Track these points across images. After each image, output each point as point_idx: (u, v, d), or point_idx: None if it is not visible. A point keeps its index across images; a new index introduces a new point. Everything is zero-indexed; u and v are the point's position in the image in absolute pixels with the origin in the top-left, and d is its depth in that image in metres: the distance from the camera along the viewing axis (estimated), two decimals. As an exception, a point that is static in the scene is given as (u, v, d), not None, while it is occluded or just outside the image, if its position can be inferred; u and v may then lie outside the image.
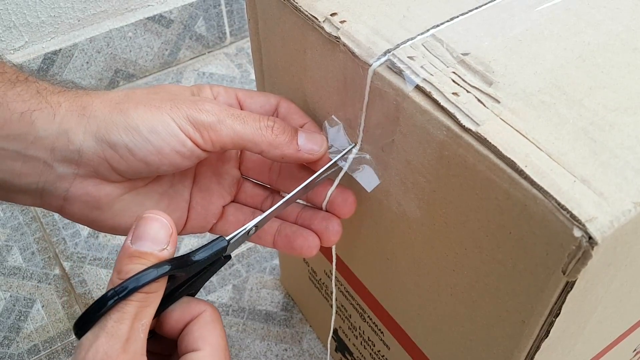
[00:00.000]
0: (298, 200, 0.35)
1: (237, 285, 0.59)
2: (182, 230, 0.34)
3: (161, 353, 0.30)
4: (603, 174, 0.22)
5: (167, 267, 0.26)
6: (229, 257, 0.30)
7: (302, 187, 0.31)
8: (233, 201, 0.36)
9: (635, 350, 0.47)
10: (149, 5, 0.76)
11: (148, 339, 0.28)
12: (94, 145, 0.28)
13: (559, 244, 0.21)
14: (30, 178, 0.29)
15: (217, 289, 0.58)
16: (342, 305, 0.45)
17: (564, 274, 0.22)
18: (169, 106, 0.29)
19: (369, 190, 0.31)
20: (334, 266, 0.39)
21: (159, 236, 0.26)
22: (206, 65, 0.83)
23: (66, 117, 0.28)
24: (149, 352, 0.29)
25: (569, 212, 0.20)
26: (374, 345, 0.43)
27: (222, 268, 0.59)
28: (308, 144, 0.31)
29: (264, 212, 0.31)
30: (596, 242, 0.20)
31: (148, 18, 0.76)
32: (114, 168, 0.29)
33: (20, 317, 0.56)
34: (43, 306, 0.57)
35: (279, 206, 0.31)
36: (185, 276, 0.28)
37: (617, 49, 0.27)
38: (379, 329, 0.40)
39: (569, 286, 0.22)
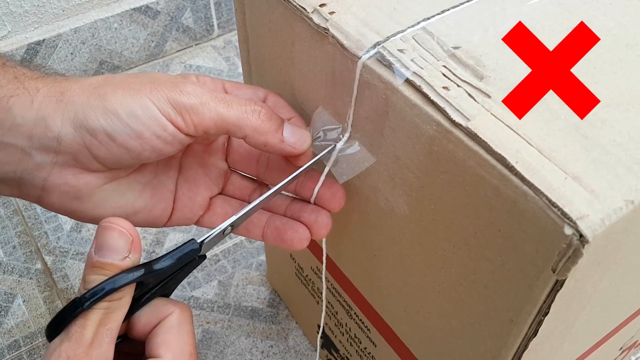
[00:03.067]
0: (287, 193, 0.35)
1: (222, 281, 0.58)
2: (168, 222, 0.34)
3: (135, 353, 0.30)
4: (594, 170, 0.21)
5: (130, 277, 0.26)
6: (204, 257, 0.30)
7: (282, 184, 0.31)
8: (220, 193, 0.36)
9: (621, 348, 0.47)
10: (135, -4, 0.75)
11: (121, 341, 0.28)
12: (72, 132, 0.28)
13: (549, 242, 0.21)
14: (7, 167, 0.28)
15: (203, 285, 0.58)
16: (329, 302, 0.44)
17: (553, 273, 0.21)
18: (148, 89, 0.28)
19: (356, 173, 0.30)
20: (324, 264, 0.38)
21: (118, 246, 0.25)
22: (193, 58, 0.82)
23: (44, 103, 0.28)
24: (124, 353, 0.28)
25: (560, 209, 0.20)
26: (361, 342, 0.42)
27: (208, 264, 0.59)
28: (293, 137, 0.30)
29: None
30: (587, 240, 0.20)
31: (134, 9, 0.75)
32: (94, 155, 0.28)
33: (0, 312, 0.55)
34: (24, 301, 0.56)
35: (256, 204, 0.30)
36: (155, 281, 0.28)
37: (609, 45, 0.27)
38: (366, 326, 0.40)
39: (558, 285, 0.22)
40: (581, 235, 0.20)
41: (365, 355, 0.42)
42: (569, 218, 0.20)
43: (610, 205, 0.20)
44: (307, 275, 0.46)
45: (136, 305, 0.28)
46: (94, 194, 0.30)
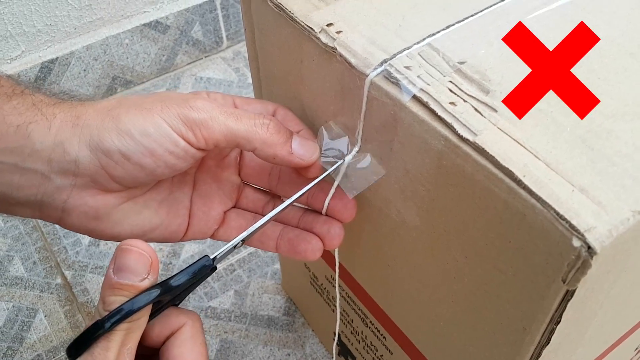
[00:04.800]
0: (299, 204, 0.35)
1: (238, 290, 0.59)
2: (184, 237, 0.35)
3: (146, 355, 0.30)
4: (601, 182, 0.22)
5: (148, 298, 0.26)
6: (215, 268, 0.30)
7: (290, 202, 0.31)
8: (234, 207, 0.36)
9: (636, 349, 0.47)
10: (144, 12, 0.76)
11: None
12: (89, 155, 0.28)
13: (558, 254, 0.21)
14: (28, 190, 0.29)
15: (219, 295, 0.58)
16: (344, 311, 0.45)
17: (564, 283, 0.22)
18: (159, 107, 0.29)
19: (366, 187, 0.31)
20: (337, 273, 0.39)
21: (137, 268, 0.26)
22: (203, 70, 0.83)
23: (61, 128, 0.29)
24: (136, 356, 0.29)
25: (567, 222, 0.21)
26: (377, 350, 0.43)
27: (223, 274, 0.60)
28: (301, 149, 0.31)
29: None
30: (595, 251, 0.20)
31: (144, 24, 0.76)
32: (111, 175, 0.29)
33: (23, 327, 0.56)
34: (46, 316, 0.57)
35: (265, 221, 0.31)
36: (170, 297, 0.29)
37: (613, 55, 0.27)
38: (381, 334, 0.40)
39: (569, 294, 0.22)
40: (589, 247, 0.20)
41: (382, 363, 0.43)
42: (577, 230, 0.20)
43: (618, 217, 0.21)
44: (321, 284, 0.47)
45: (151, 315, 0.29)
46: (112, 213, 0.31)
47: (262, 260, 0.61)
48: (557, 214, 0.21)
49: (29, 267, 0.61)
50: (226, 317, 0.57)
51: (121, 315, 0.26)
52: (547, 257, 0.22)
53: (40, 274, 0.60)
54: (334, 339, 0.47)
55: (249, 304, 0.58)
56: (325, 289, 0.47)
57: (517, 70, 0.26)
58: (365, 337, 0.44)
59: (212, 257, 0.29)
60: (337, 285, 0.40)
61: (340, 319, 0.46)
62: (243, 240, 0.31)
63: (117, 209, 0.31)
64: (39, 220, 0.65)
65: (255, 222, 0.31)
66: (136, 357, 0.29)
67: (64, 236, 0.63)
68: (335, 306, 0.44)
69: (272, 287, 0.59)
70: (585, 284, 0.22)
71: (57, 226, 0.64)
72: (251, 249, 0.62)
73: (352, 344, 0.47)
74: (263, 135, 0.30)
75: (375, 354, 0.43)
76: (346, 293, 0.43)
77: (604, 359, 0.38)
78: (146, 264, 0.26)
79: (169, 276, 0.28)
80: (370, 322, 0.41)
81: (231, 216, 0.35)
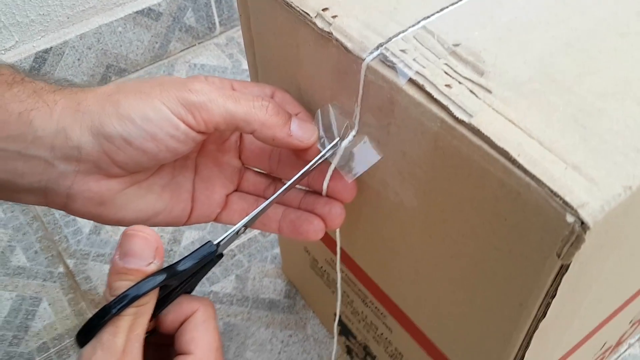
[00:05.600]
0: (300, 186, 0.36)
1: (239, 275, 0.60)
2: (188, 221, 0.35)
3: (164, 344, 0.31)
4: (593, 159, 0.23)
5: (154, 282, 0.27)
6: (221, 256, 0.31)
7: (289, 185, 0.32)
8: (236, 190, 0.37)
9: (631, 321, 0.48)
10: (137, -1, 0.76)
11: (150, 336, 0.29)
12: (91, 140, 0.29)
13: (552, 230, 0.22)
14: (32, 177, 0.30)
15: (221, 280, 0.59)
16: (344, 292, 0.46)
17: (558, 258, 0.22)
18: (158, 91, 0.29)
19: (367, 168, 0.31)
20: (338, 256, 0.39)
21: (143, 252, 0.27)
22: (197, 57, 0.83)
23: (63, 115, 0.29)
24: (153, 344, 0.30)
25: (561, 198, 0.21)
26: (377, 329, 0.44)
27: (224, 259, 0.60)
28: (299, 131, 0.31)
29: (267, 199, 0.32)
30: (588, 226, 0.21)
31: (137, 12, 0.76)
32: (114, 160, 0.30)
33: (27, 316, 0.57)
34: (50, 304, 0.58)
35: (264, 207, 0.32)
36: (177, 282, 0.29)
37: (603, 35, 0.27)
38: (382, 313, 0.41)
39: (563, 269, 0.23)
40: (582, 222, 0.21)
41: (383, 341, 0.44)
42: (570, 206, 0.21)
43: (609, 192, 0.22)
44: (321, 267, 0.48)
45: (163, 304, 0.30)
46: (116, 198, 0.31)
47: (261, 245, 0.62)
48: (551, 191, 0.21)
49: (31, 256, 0.62)
50: (228, 301, 0.58)
51: (128, 299, 0.26)
52: (542, 233, 0.23)
53: (43, 263, 0.61)
54: (334, 320, 0.48)
55: (250, 288, 0.59)
56: (325, 271, 0.48)
57: (511, 51, 0.26)
58: (366, 316, 0.44)
59: (215, 242, 0.30)
60: (338, 267, 0.40)
61: (341, 300, 0.47)
62: (246, 226, 0.31)
63: (121, 193, 0.31)
64: (39, 210, 0.65)
65: (257, 205, 0.31)
66: (154, 345, 0.30)
67: (64, 225, 0.64)
68: (336, 288, 0.45)
69: (272, 271, 0.60)
70: (580, 258, 0.22)
71: (57, 215, 0.65)
72: (250, 235, 0.63)
73: (352, 323, 0.48)
74: (262, 117, 0.30)
75: (375, 332, 0.44)
76: (346, 275, 0.43)
77: (599, 332, 0.39)
78: (152, 248, 0.27)
79: (171, 263, 0.29)
80: (370, 302, 0.42)
81: (233, 199, 0.36)
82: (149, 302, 0.27)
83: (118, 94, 0.29)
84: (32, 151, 0.29)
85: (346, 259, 0.41)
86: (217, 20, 0.85)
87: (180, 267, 0.29)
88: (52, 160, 0.29)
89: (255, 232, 0.63)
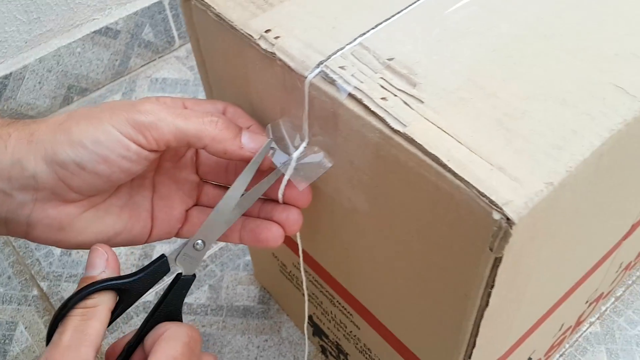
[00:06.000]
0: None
1: (213, 285, 0.61)
2: (149, 238, 0.36)
3: None
4: (517, 160, 0.25)
5: (97, 285, 0.29)
6: (193, 277, 0.33)
7: (232, 191, 0.33)
8: (196, 205, 0.38)
9: (587, 301, 0.51)
10: (93, 19, 0.76)
11: None
12: (45, 169, 0.30)
13: (483, 227, 0.24)
14: None
15: (194, 291, 0.60)
16: (313, 294, 0.47)
17: (491, 251, 0.24)
18: (108, 115, 0.30)
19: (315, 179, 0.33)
20: (301, 258, 0.41)
21: (95, 263, 0.30)
22: (158, 71, 0.84)
23: (17, 147, 0.30)
24: None
25: (487, 198, 0.23)
26: (346, 327, 0.46)
27: (197, 269, 0.62)
28: (251, 143, 0.33)
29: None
30: (514, 222, 0.23)
31: (94, 32, 0.77)
32: (69, 186, 0.31)
33: (4, 340, 0.58)
34: (26, 327, 0.59)
35: (214, 217, 0.33)
36: (134, 295, 0.31)
37: (528, 39, 0.30)
38: (348, 312, 0.43)
39: (498, 261, 0.25)
40: (508, 219, 0.23)
41: (352, 338, 0.46)
42: (495, 205, 0.23)
43: (532, 189, 0.24)
44: (290, 271, 0.50)
45: (143, 330, 0.32)
46: (75, 222, 0.33)
47: (233, 254, 0.63)
48: (478, 191, 0.23)
49: (4, 282, 0.62)
50: (203, 312, 0.59)
51: (73, 300, 0.29)
52: (475, 230, 0.25)
53: (17, 288, 0.62)
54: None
55: (224, 297, 0.60)
56: (293, 275, 0.49)
57: (441, 62, 0.28)
58: (335, 316, 0.46)
59: (167, 255, 0.32)
60: (302, 270, 0.42)
61: (310, 302, 0.49)
62: (204, 240, 0.33)
63: (80, 217, 0.32)
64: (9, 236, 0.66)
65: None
66: None
67: (35, 249, 0.64)
68: (304, 292, 0.47)
69: (245, 278, 0.61)
70: (511, 251, 0.24)
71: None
72: (222, 244, 0.64)
73: (323, 323, 0.50)
74: (212, 132, 0.31)
75: (345, 331, 0.46)
76: (313, 277, 0.45)
77: (552, 315, 0.41)
78: (103, 259, 0.30)
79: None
80: (337, 302, 0.44)
81: (193, 214, 0.37)
82: (97, 306, 0.29)
83: (69, 121, 0.30)
84: None
85: (310, 261, 0.43)
86: (175, 33, 0.86)
87: (130, 278, 0.31)
88: (10, 191, 0.30)
89: (226, 241, 0.65)
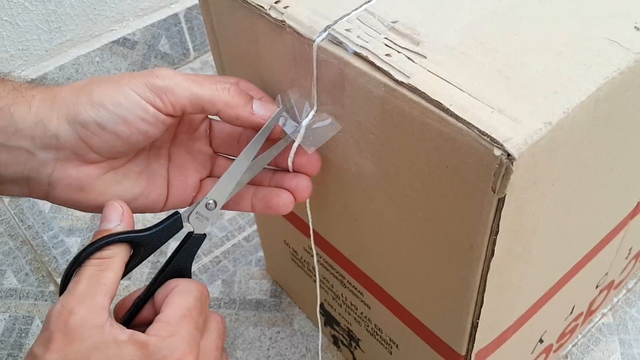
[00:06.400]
0: (269, 166, 0.38)
1: (226, 279, 0.62)
2: (165, 206, 0.38)
3: None
4: (516, 103, 0.26)
5: (112, 237, 0.31)
6: (203, 236, 0.34)
7: (245, 154, 0.34)
8: (210, 175, 0.40)
9: (597, 286, 0.51)
10: (112, 30, 0.79)
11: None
12: (68, 128, 0.32)
13: (485, 166, 0.25)
14: (15, 167, 0.32)
15: (208, 285, 0.61)
16: (324, 277, 0.48)
17: (494, 192, 0.25)
18: (127, 79, 0.32)
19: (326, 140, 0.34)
20: (312, 237, 0.42)
21: (111, 216, 0.32)
22: (174, 81, 0.86)
23: (41, 107, 0.32)
24: None
25: (488, 136, 0.24)
26: (357, 309, 0.46)
27: (210, 265, 0.62)
28: (262, 110, 0.34)
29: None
30: (514, 157, 0.24)
31: (113, 42, 0.79)
32: (90, 146, 0.32)
33: (21, 334, 0.59)
34: (42, 322, 0.60)
35: (229, 176, 0.34)
36: (148, 248, 0.32)
37: (525, 3, 0.31)
38: (359, 291, 0.44)
39: (501, 203, 0.26)
40: (509, 155, 0.24)
41: (363, 320, 0.46)
42: (496, 142, 0.24)
43: (531, 128, 0.25)
44: (301, 257, 0.50)
45: (153, 285, 0.33)
46: (94, 184, 0.34)
47: (245, 250, 0.64)
48: (480, 131, 0.24)
49: (22, 278, 0.63)
50: (216, 305, 0.60)
51: (88, 251, 0.30)
52: (477, 171, 0.25)
53: (34, 284, 0.63)
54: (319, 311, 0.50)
55: (236, 291, 0.61)
56: (305, 260, 0.50)
57: (443, 23, 0.30)
58: (345, 298, 0.47)
59: (180, 211, 0.33)
60: (313, 247, 0.43)
61: (322, 287, 0.50)
62: (215, 201, 0.34)
63: (99, 179, 0.34)
64: (28, 235, 0.67)
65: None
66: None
67: (53, 247, 0.66)
68: (315, 275, 0.48)
69: (257, 273, 0.62)
70: (513, 191, 0.25)
71: (45, 238, 0.67)
72: (234, 240, 0.65)
73: (334, 309, 0.50)
74: (225, 98, 0.33)
75: (356, 313, 0.47)
76: (323, 259, 0.46)
77: (562, 290, 0.41)
78: (118, 213, 0.32)
79: None
80: (348, 281, 0.44)
81: (207, 184, 0.39)
82: (113, 257, 0.30)
83: (91, 85, 0.32)
84: (14, 142, 0.32)
85: (321, 241, 0.44)
86: (190, 46, 0.89)
87: (145, 231, 0.32)
88: (32, 150, 0.32)
89: (239, 237, 0.66)
